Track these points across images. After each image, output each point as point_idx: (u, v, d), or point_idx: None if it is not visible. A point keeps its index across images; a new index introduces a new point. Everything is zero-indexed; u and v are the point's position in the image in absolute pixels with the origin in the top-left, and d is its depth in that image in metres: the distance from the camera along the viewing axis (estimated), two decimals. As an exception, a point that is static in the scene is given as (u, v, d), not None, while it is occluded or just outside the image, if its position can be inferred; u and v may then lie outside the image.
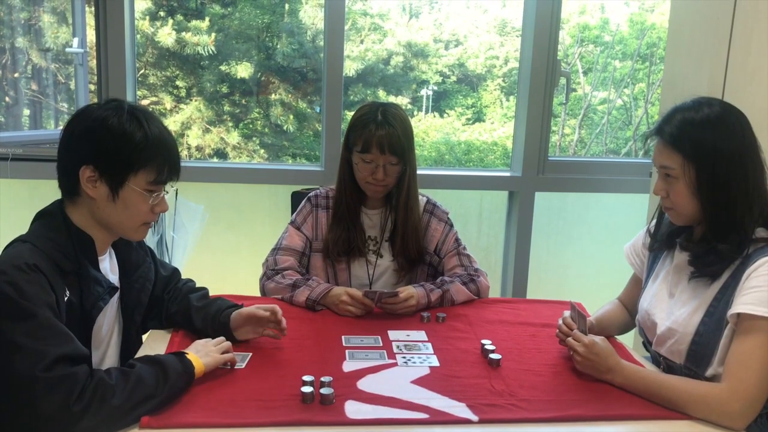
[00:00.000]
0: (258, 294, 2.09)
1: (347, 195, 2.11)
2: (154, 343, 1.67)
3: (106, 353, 1.57)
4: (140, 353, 1.60)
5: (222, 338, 1.59)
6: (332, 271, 2.13)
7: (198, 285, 1.86)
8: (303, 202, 2.19)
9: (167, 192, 1.51)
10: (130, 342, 1.65)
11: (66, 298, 1.38)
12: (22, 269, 1.29)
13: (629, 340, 2.25)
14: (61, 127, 1.56)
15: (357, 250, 2.11)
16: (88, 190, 1.42)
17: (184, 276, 1.87)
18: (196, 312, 1.71)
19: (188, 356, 1.43)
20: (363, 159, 2.02)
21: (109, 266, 1.57)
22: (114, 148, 1.40)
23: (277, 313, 1.68)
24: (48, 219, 1.45)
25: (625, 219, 3.24)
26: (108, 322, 1.57)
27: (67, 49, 2.90)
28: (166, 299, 1.76)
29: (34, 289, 1.29)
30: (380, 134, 1.99)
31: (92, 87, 3.01)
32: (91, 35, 2.87)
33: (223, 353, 1.52)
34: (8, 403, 1.24)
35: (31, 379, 1.21)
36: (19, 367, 1.21)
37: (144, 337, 1.74)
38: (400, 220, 2.11)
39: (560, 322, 1.70)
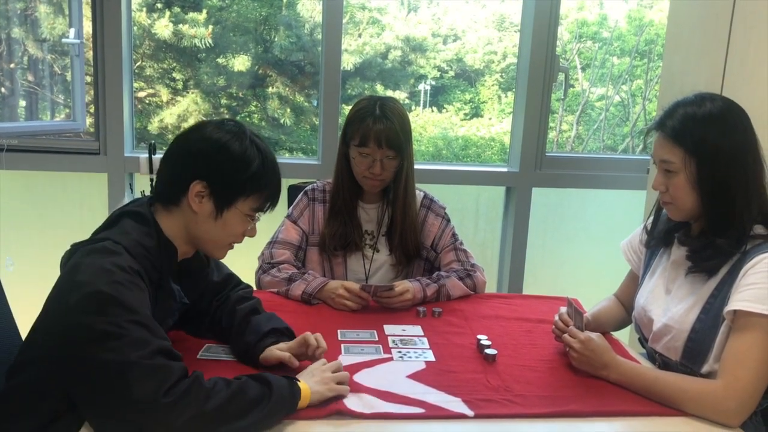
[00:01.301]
0: (254, 288, 2.07)
1: (344, 189, 2.11)
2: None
3: None
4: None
5: (339, 364, 1.47)
6: (328, 265, 2.12)
7: None
8: (299, 195, 2.19)
9: (259, 219, 1.51)
10: None
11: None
12: (127, 271, 1.27)
13: (625, 336, 2.26)
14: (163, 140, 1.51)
15: (354, 245, 2.11)
16: (193, 203, 1.40)
17: None
18: (236, 335, 1.59)
19: (300, 383, 1.35)
20: (360, 153, 2.02)
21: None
22: (232, 172, 1.40)
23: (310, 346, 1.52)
24: (139, 222, 1.39)
25: (622, 215, 3.24)
26: None
27: (64, 40, 2.88)
28: (214, 307, 1.66)
29: (138, 291, 1.27)
30: (378, 128, 1.98)
31: (89, 78, 3.00)
32: (87, 26, 2.85)
33: (338, 382, 1.41)
34: (102, 385, 1.20)
35: (129, 363, 1.18)
36: (119, 352, 1.18)
37: None
38: (398, 215, 2.10)
39: (556, 318, 1.70)
